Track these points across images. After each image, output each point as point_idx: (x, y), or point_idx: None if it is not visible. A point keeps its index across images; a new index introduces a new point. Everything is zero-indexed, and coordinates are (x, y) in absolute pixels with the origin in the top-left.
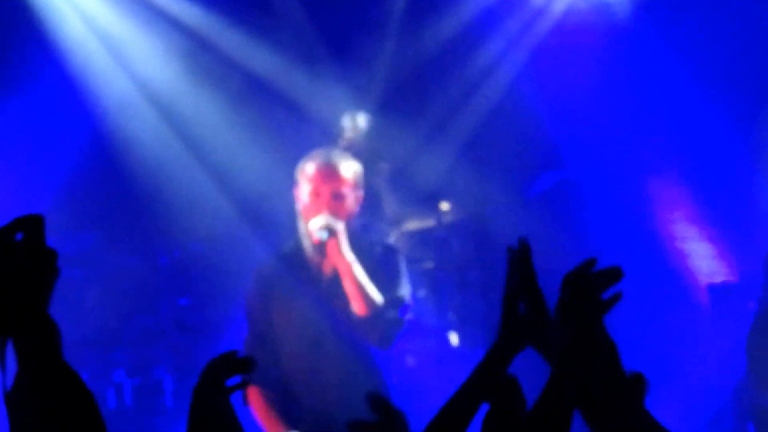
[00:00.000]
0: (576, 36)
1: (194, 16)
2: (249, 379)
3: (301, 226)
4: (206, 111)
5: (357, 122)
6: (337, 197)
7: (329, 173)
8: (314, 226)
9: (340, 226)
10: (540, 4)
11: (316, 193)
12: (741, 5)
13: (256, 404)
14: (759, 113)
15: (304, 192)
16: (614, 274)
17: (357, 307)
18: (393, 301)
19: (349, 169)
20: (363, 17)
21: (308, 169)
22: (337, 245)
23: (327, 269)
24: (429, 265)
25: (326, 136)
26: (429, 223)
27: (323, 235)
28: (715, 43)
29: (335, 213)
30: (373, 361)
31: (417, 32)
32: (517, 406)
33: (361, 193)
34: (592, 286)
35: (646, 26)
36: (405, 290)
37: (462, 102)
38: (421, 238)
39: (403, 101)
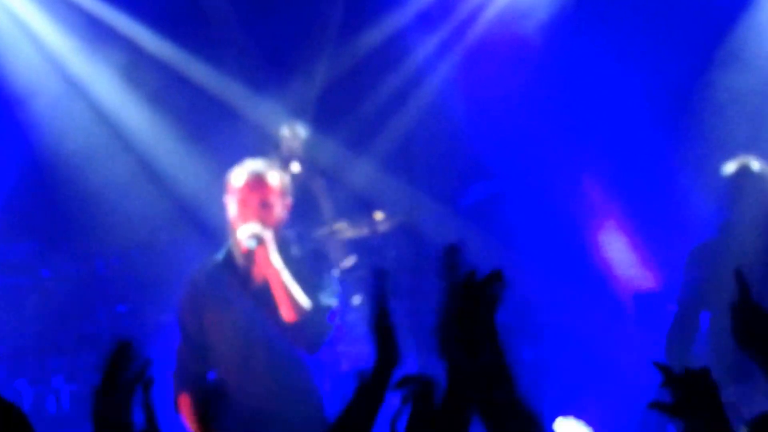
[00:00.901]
0: (503, 46)
1: (134, 30)
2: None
3: (232, 234)
4: (145, 121)
5: (294, 132)
6: (265, 206)
7: (256, 182)
8: (242, 235)
9: (268, 235)
10: (467, 14)
11: (244, 202)
12: (661, 10)
13: (186, 411)
14: (686, 122)
15: (232, 201)
16: (495, 279)
17: (286, 314)
18: (321, 307)
19: (276, 177)
20: (300, 29)
21: (236, 178)
22: (266, 253)
23: (257, 276)
24: (364, 272)
25: (264, 145)
26: (364, 231)
27: (251, 244)
28: (641, 53)
29: (263, 221)
30: (305, 367)
31: (351, 44)
32: (435, 407)
33: (289, 201)
34: (475, 296)
35: (570, 35)
36: (333, 297)
37: (394, 111)
38: (356, 245)
39: (339, 111)
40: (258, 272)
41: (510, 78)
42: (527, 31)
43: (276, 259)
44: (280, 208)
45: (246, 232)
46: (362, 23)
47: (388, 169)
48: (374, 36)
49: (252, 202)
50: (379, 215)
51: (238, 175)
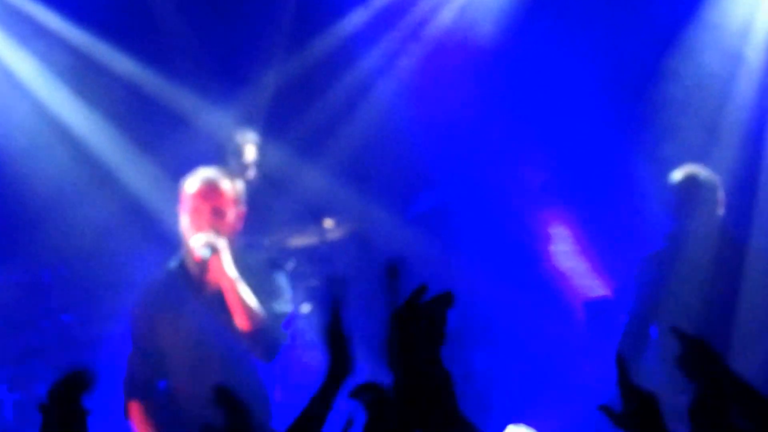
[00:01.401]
0: (454, 51)
1: (83, 37)
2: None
3: (185, 242)
4: (94, 128)
5: (246, 139)
6: (218, 213)
7: (210, 190)
8: (196, 244)
9: (222, 244)
10: (416, 22)
11: (197, 210)
12: (610, 16)
13: (137, 418)
14: (637, 131)
15: (186, 209)
16: (445, 301)
17: (240, 322)
18: (275, 316)
19: (230, 185)
20: (250, 37)
21: (189, 186)
22: (220, 262)
23: (211, 285)
24: (314, 282)
25: (216, 153)
26: (313, 240)
27: (205, 253)
28: (593, 62)
29: (217, 229)
30: (257, 375)
31: (301, 51)
32: (392, 416)
33: (242, 209)
34: (423, 317)
35: (519, 46)
36: (287, 305)
37: (345, 119)
38: (306, 254)
39: (290, 118)
40: (211, 280)
41: (461, 83)
42: (478, 38)
43: (230, 268)
44: (233, 216)
45: (200, 241)
46: (313, 30)
47: (338, 177)
48: (324, 43)
49: (205, 210)
50: (329, 223)
51: (191, 183)
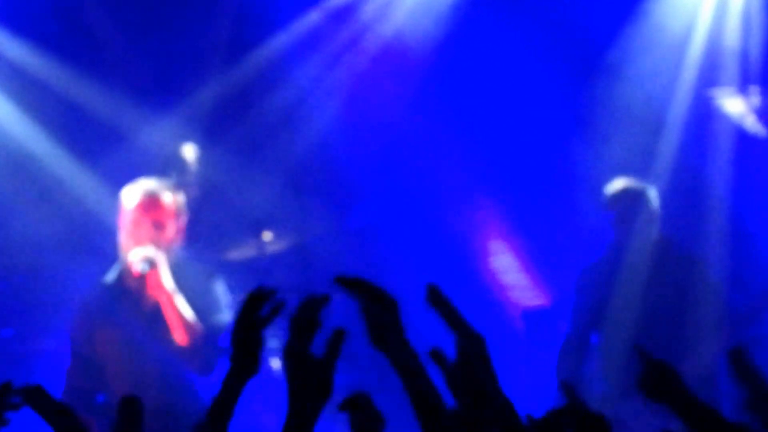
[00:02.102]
0: (390, 66)
1: (19, 51)
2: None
3: (123, 256)
4: (30, 142)
5: (184, 152)
6: (158, 226)
7: (149, 203)
8: (134, 258)
9: (160, 258)
10: (354, 34)
11: (136, 223)
12: (553, 18)
13: None
14: (579, 135)
15: (125, 222)
16: (316, 303)
17: (178, 337)
18: (213, 330)
19: (170, 198)
20: (187, 50)
21: (129, 199)
22: (158, 277)
23: (149, 299)
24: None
25: (155, 166)
26: (252, 252)
27: (143, 267)
28: (529, 68)
29: (156, 242)
30: (194, 388)
31: (239, 64)
32: (375, 421)
33: (182, 221)
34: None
35: (458, 50)
36: (225, 318)
37: (283, 132)
38: (245, 267)
39: (228, 131)
40: (149, 294)
41: (400, 94)
42: (417, 47)
43: (168, 283)
44: (173, 229)
45: (138, 256)
46: (251, 43)
47: (277, 190)
48: (262, 56)
49: (145, 223)
50: (267, 235)
51: (131, 196)
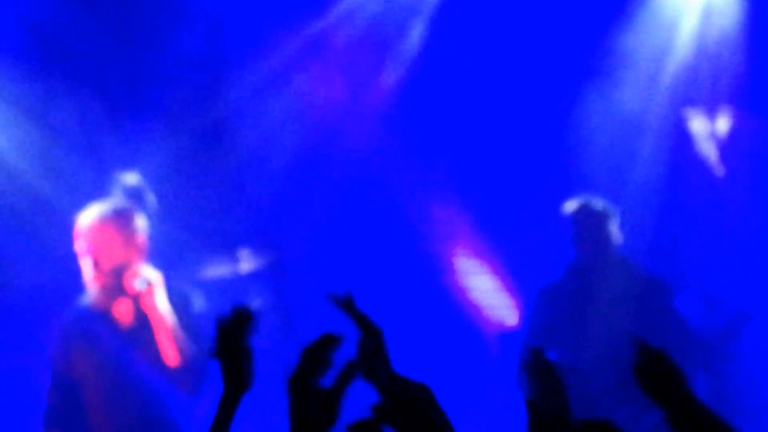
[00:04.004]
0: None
1: None
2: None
3: (89, 276)
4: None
5: (139, 176)
6: (119, 246)
7: (108, 224)
8: (133, 277)
9: (156, 277)
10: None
11: (95, 244)
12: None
13: None
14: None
15: (84, 243)
16: (332, 341)
17: (169, 358)
18: (201, 351)
19: (129, 218)
20: (159, 67)
21: (86, 221)
22: (152, 296)
23: (125, 319)
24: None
25: (123, 185)
26: (228, 271)
27: (140, 285)
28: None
29: (116, 262)
30: (171, 407)
31: (212, 85)
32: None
33: (142, 241)
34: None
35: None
36: (209, 340)
37: (256, 151)
38: (220, 286)
39: (197, 150)
40: (126, 315)
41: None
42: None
43: (162, 302)
44: (134, 249)
45: (134, 274)
46: (222, 60)
47: (253, 208)
48: (235, 83)
49: (105, 243)
50: (243, 254)
51: (90, 218)
